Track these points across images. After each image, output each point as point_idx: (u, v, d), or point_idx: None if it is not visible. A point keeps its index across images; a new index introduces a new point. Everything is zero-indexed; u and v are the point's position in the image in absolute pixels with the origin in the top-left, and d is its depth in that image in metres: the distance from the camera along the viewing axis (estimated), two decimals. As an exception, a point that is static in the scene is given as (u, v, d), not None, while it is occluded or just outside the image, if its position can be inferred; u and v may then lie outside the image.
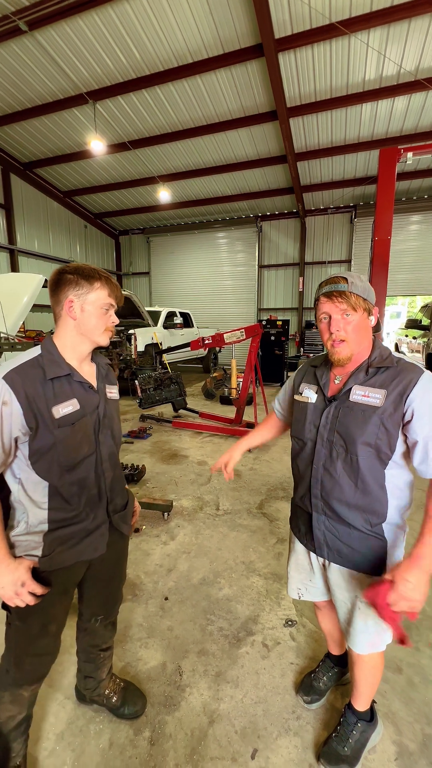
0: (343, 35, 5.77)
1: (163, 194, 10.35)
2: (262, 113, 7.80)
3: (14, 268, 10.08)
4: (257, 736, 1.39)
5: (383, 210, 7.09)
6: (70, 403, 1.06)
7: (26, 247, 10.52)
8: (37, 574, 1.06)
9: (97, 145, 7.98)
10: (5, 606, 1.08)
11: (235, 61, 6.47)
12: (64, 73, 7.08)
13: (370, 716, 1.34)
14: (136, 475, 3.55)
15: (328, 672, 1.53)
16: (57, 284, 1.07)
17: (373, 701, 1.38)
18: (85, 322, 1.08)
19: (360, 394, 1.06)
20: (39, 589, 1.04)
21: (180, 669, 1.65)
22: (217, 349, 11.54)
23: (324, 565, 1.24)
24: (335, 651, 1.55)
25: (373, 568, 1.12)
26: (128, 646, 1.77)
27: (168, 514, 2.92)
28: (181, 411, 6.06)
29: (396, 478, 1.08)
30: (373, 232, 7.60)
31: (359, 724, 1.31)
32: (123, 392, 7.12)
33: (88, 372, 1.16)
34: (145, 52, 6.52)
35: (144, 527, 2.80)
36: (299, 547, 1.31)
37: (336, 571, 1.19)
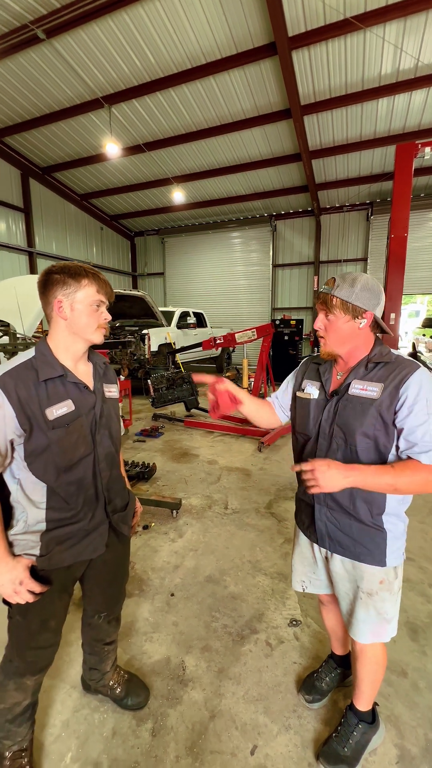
0: (358, 30, 5.69)
1: (178, 195, 10.43)
2: (275, 112, 7.77)
3: (33, 270, 10.35)
4: (257, 732, 1.40)
5: (400, 206, 6.95)
6: (64, 404, 1.06)
7: (44, 250, 10.78)
8: (36, 572, 1.09)
9: (112, 148, 8.11)
10: (5, 601, 1.11)
11: (249, 60, 6.46)
12: (81, 78, 7.23)
13: (372, 718, 1.34)
14: (147, 473, 3.60)
15: (331, 673, 1.53)
16: (45, 285, 1.07)
17: (376, 704, 1.37)
18: (76, 321, 1.08)
19: (359, 388, 1.10)
20: (37, 588, 1.06)
21: (183, 664, 1.68)
22: (231, 348, 11.54)
23: (326, 557, 1.26)
24: (339, 651, 1.55)
25: (373, 559, 1.14)
26: (134, 639, 1.81)
27: (177, 512, 2.95)
28: (193, 410, 6.10)
29: None
30: (389, 229, 7.47)
31: (360, 726, 1.31)
32: (136, 391, 7.24)
33: (84, 372, 1.16)
34: (159, 54, 6.59)
35: (153, 524, 2.84)
36: (303, 540, 1.34)
37: (338, 562, 1.21)
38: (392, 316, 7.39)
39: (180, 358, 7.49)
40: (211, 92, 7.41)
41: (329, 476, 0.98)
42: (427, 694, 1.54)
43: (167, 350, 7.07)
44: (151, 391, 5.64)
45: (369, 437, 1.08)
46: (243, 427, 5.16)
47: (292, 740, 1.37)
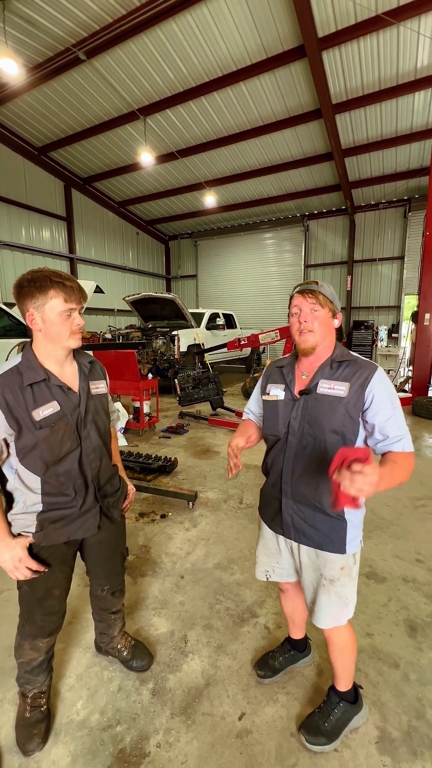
0: (390, 26, 5.59)
1: (210, 199, 10.66)
2: (306, 112, 7.77)
3: (73, 274, 11.01)
4: (247, 702, 1.52)
5: (435, 203, 6.68)
6: (50, 405, 1.16)
7: (84, 256, 11.44)
8: (33, 550, 1.23)
9: (147, 157, 8.48)
10: None
11: (278, 64, 6.54)
12: (118, 93, 7.64)
13: (354, 698, 1.42)
14: (168, 466, 3.80)
15: (285, 654, 1.64)
16: (17, 298, 1.12)
17: (359, 686, 1.44)
18: (49, 331, 1.13)
19: (326, 387, 1.19)
20: (34, 565, 1.21)
21: (186, 638, 1.83)
22: (261, 349, 11.58)
23: (292, 548, 1.35)
24: (294, 635, 1.65)
25: (334, 547, 1.22)
26: (143, 613, 1.99)
27: (193, 504, 3.12)
28: (219, 409, 6.26)
29: None
30: (425, 226, 7.20)
31: (341, 704, 1.39)
32: (165, 390, 7.52)
33: (70, 373, 1.25)
34: (191, 65, 6.83)
35: (170, 514, 3.03)
36: (267, 533, 1.42)
37: (305, 552, 1.30)
38: (427, 316, 7.14)
39: (209, 358, 7.70)
40: (241, 97, 7.55)
41: (370, 483, 0.90)
42: (417, 687, 1.58)
43: (195, 350, 7.28)
44: (178, 389, 5.87)
45: (337, 433, 1.16)
46: (265, 427, 5.24)
47: (278, 712, 1.48)
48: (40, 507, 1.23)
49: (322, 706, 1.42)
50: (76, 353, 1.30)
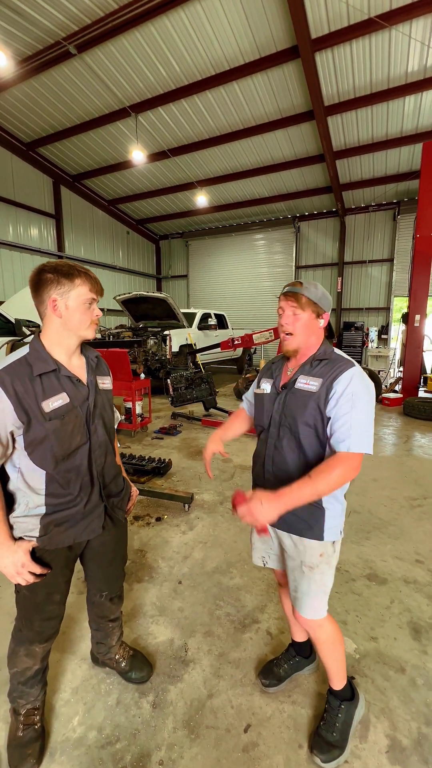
0: (383, 29, 5.63)
1: (201, 199, 10.61)
2: (298, 114, 7.79)
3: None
4: (252, 713, 1.46)
5: (426, 205, 6.80)
6: (59, 397, 1.13)
7: (73, 254, 11.25)
8: (35, 555, 1.18)
9: (138, 155, 8.38)
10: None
11: (272, 64, 6.53)
12: (109, 89, 7.53)
13: (351, 693, 1.41)
14: (162, 468, 3.72)
15: (290, 661, 1.59)
16: (38, 284, 1.11)
17: (352, 678, 1.44)
18: (71, 319, 1.13)
19: (303, 383, 1.23)
20: (37, 569, 1.15)
21: (186, 646, 1.76)
22: (252, 349, 11.57)
23: (278, 535, 1.35)
24: (297, 637, 1.61)
25: (313, 534, 1.25)
26: (140, 621, 1.91)
27: (189, 506, 3.05)
28: (212, 410, 6.20)
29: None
30: (414, 228, 7.29)
31: (343, 706, 1.37)
32: (157, 391, 7.42)
33: (78, 365, 1.22)
34: (184, 63, 6.77)
35: (166, 517, 2.95)
36: None
37: (286, 538, 1.31)
38: (417, 317, 7.21)
39: (201, 359, 7.63)
40: (234, 97, 7.52)
41: (264, 511, 1.08)
42: (424, 691, 1.55)
43: (187, 350, 7.21)
44: (170, 390, 5.78)
45: (310, 426, 1.21)
46: (259, 428, 5.20)
47: (285, 723, 1.43)
48: (43, 510, 1.17)
49: (325, 716, 1.38)
50: (83, 347, 1.27)
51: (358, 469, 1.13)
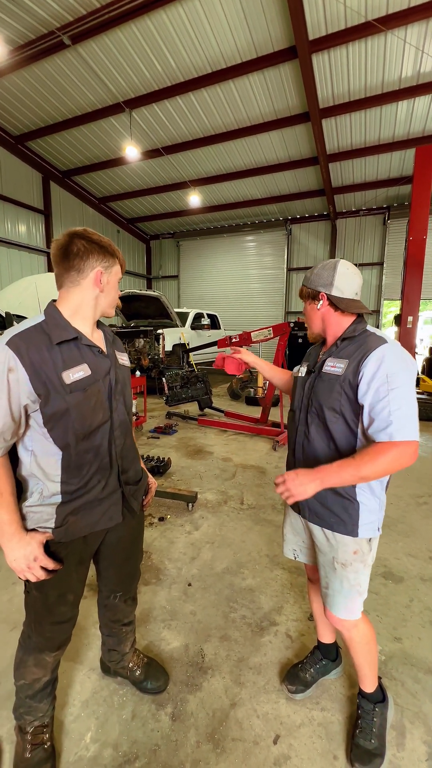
0: (379, 33, 5.70)
1: (194, 199, 10.54)
2: (294, 115, 7.82)
3: (51, 270, 10.54)
4: (280, 722, 1.36)
5: (419, 208, 6.86)
6: (80, 368, 1.02)
7: (62, 251, 10.98)
8: (49, 549, 1.06)
9: (131, 151, 8.25)
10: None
11: (269, 64, 6.53)
12: (103, 83, 7.40)
13: (382, 695, 1.33)
14: (162, 467, 3.59)
15: (316, 664, 1.50)
16: (84, 252, 1.02)
17: (379, 677, 1.34)
18: (107, 295, 1.10)
19: (329, 366, 1.16)
20: (51, 564, 1.03)
21: (202, 652, 1.65)
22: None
23: (310, 529, 1.28)
24: (324, 638, 1.52)
25: (345, 528, 1.16)
26: (151, 626, 1.79)
27: (192, 505, 2.93)
28: (207, 409, 6.09)
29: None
30: (407, 232, 7.38)
31: (377, 709, 1.29)
32: (150, 390, 7.26)
33: (97, 338, 1.13)
34: (180, 59, 6.71)
35: (169, 516, 2.83)
36: (291, 510, 1.37)
37: (317, 532, 1.24)
38: (409, 319, 7.29)
39: (194, 358, 7.52)
40: (230, 96, 7.50)
41: (299, 484, 1.05)
42: (457, 693, 1.48)
43: (181, 350, 7.09)
44: (165, 389, 5.65)
45: (336, 412, 1.12)
46: (257, 427, 5.13)
47: (316, 732, 1.33)
48: (59, 498, 1.05)
49: (359, 722, 1.29)
50: (98, 322, 1.17)
51: (414, 456, 1.02)
